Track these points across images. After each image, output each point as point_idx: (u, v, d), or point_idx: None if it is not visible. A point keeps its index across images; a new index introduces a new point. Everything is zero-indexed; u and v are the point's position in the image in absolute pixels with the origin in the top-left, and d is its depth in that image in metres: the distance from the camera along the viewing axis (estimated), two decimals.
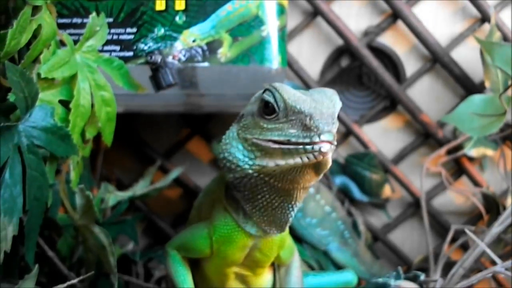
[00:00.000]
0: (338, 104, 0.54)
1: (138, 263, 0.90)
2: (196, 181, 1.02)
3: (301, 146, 0.52)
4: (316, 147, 0.51)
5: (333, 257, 0.93)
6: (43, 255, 0.73)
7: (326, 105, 0.52)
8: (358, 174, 0.97)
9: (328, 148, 0.51)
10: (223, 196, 0.62)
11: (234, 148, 0.57)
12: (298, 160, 0.52)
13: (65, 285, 0.58)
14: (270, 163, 0.54)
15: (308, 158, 0.52)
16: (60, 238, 0.79)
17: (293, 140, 0.52)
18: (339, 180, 0.99)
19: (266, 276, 0.68)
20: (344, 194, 0.99)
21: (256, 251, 0.63)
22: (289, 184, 0.55)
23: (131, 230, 0.86)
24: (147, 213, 1.01)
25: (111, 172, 1.01)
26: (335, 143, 0.53)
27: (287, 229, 0.63)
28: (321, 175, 0.56)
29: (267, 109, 0.55)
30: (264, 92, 0.56)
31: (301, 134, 0.52)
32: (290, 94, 0.54)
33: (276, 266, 0.69)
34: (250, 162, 0.55)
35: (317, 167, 0.54)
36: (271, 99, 0.55)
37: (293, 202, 0.57)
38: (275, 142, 0.54)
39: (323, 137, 0.51)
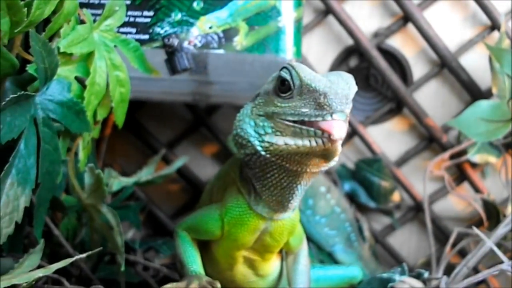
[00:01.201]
0: (353, 87, 0.54)
1: (137, 251, 0.89)
2: (198, 173, 1.02)
3: (312, 129, 0.52)
4: (326, 133, 0.51)
5: (338, 258, 0.93)
6: (47, 233, 0.72)
7: (341, 86, 0.52)
8: (368, 180, 0.98)
9: (338, 136, 0.51)
10: (237, 177, 0.62)
11: (246, 124, 0.57)
12: (306, 142, 0.52)
13: (73, 259, 0.57)
14: (279, 141, 0.54)
15: (316, 142, 0.52)
16: (62, 220, 0.78)
17: (306, 119, 0.53)
18: (349, 185, 0.99)
19: (274, 262, 0.68)
20: (351, 199, 1.00)
21: (267, 235, 0.63)
22: (296, 165, 0.55)
23: (134, 216, 0.85)
24: (148, 204, 1.01)
25: (113, 160, 1.00)
26: (347, 126, 0.53)
27: (296, 214, 0.64)
28: (331, 162, 0.56)
29: (283, 87, 0.55)
30: (281, 70, 0.56)
31: (314, 112, 0.52)
32: (307, 72, 0.54)
33: (284, 254, 0.69)
34: (260, 139, 0.56)
35: (326, 154, 0.54)
36: (287, 76, 0.55)
37: (300, 184, 0.57)
38: (287, 121, 0.54)
39: (335, 116, 0.51)
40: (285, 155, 0.54)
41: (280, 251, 0.68)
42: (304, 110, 0.53)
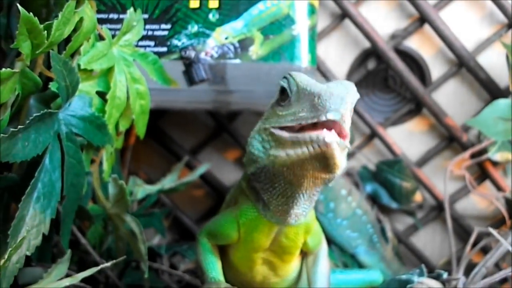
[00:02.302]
0: (353, 92, 0.55)
1: (163, 257, 0.91)
2: (221, 178, 1.04)
3: (307, 136, 0.52)
4: (321, 136, 0.51)
5: (361, 260, 0.94)
6: (75, 243, 0.75)
7: (338, 89, 0.53)
8: (389, 181, 0.98)
9: (331, 139, 0.51)
10: (246, 188, 0.64)
11: (255, 140, 0.59)
12: (305, 149, 0.53)
13: (98, 268, 0.59)
14: (281, 153, 0.55)
15: (313, 147, 0.52)
16: (89, 229, 0.81)
17: (303, 122, 0.54)
18: (370, 187, 1.00)
19: (294, 264, 0.68)
20: (373, 201, 1.00)
21: (282, 237, 0.64)
22: (299, 175, 0.56)
23: (159, 223, 0.88)
24: (173, 209, 1.03)
25: (138, 168, 1.03)
26: (345, 130, 0.53)
27: (311, 214, 0.65)
28: (334, 174, 0.55)
29: (283, 96, 0.57)
30: (281, 80, 0.58)
31: (310, 115, 0.53)
32: (303, 78, 0.56)
33: (304, 256, 0.70)
34: (266, 153, 0.57)
35: (324, 161, 0.53)
36: (285, 85, 0.57)
37: (304, 192, 0.58)
38: (288, 128, 0.55)
39: (329, 116, 0.52)
40: (289, 166, 0.55)
41: (301, 253, 0.68)
42: (301, 114, 0.54)
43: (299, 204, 0.60)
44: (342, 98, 0.52)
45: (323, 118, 0.52)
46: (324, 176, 0.56)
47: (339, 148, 0.52)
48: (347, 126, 0.53)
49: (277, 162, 0.56)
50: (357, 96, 0.55)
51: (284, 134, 0.55)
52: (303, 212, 0.62)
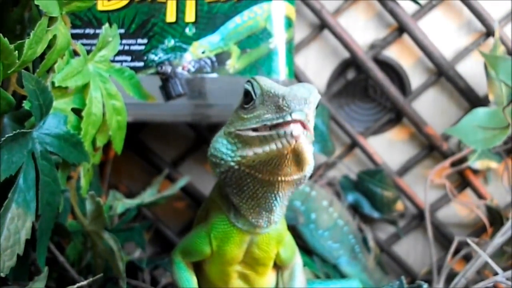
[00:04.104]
0: (315, 94, 0.55)
1: (144, 270, 0.91)
2: (202, 190, 1.03)
3: (274, 132, 0.53)
4: (288, 130, 0.52)
5: (343, 270, 0.94)
6: (53, 260, 0.74)
7: (301, 91, 0.54)
8: (370, 191, 0.99)
9: (299, 131, 0.52)
10: (217, 196, 0.64)
11: (219, 144, 0.59)
12: (273, 146, 0.53)
13: (75, 286, 0.59)
14: (249, 152, 0.55)
15: (282, 143, 0.53)
16: (69, 244, 0.80)
17: (268, 123, 0.54)
18: (352, 197, 1.00)
19: (269, 277, 0.68)
20: (354, 210, 1.00)
21: (254, 247, 0.64)
22: (269, 175, 0.56)
23: (139, 237, 0.87)
24: (155, 222, 1.03)
25: (119, 181, 1.02)
26: (310, 128, 0.54)
27: (283, 224, 0.65)
28: (303, 171, 0.57)
29: (246, 99, 0.58)
30: (245, 84, 0.58)
31: (275, 116, 0.54)
32: (267, 82, 0.57)
33: (279, 270, 0.70)
34: (232, 154, 0.57)
35: (293, 157, 0.54)
36: (249, 88, 0.57)
37: (276, 192, 0.58)
38: (253, 130, 0.56)
39: (294, 116, 0.52)
40: (257, 166, 0.56)
41: (276, 266, 0.69)
42: (266, 116, 0.55)
43: (270, 207, 0.60)
44: (306, 99, 0.53)
45: (289, 118, 0.53)
46: (294, 174, 0.57)
47: (307, 141, 0.54)
48: (311, 126, 0.54)
49: (245, 162, 0.56)
50: (319, 97, 0.56)
51: (251, 133, 0.56)
52: (275, 217, 0.62)
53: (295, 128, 0.52)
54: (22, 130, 0.58)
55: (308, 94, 0.54)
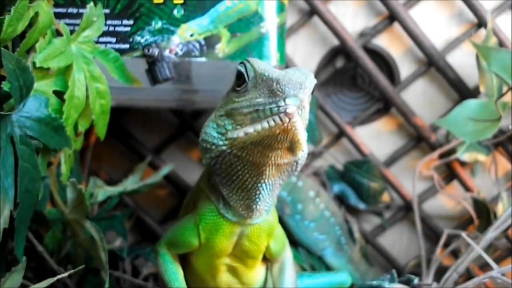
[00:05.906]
0: (311, 78, 0.53)
1: (125, 260, 0.88)
2: (185, 178, 1.01)
3: (268, 108, 0.51)
4: (282, 108, 0.50)
5: (328, 262, 0.93)
6: (31, 249, 0.71)
7: (296, 75, 0.52)
8: (357, 181, 0.97)
9: (294, 109, 0.50)
10: (206, 186, 0.62)
11: (209, 128, 0.57)
12: (265, 124, 0.51)
13: (55, 278, 0.56)
14: (240, 133, 0.54)
15: (274, 121, 0.51)
16: (47, 233, 0.77)
17: (260, 108, 0.52)
18: (338, 187, 0.98)
19: (258, 270, 0.67)
20: (340, 201, 0.99)
21: (244, 239, 0.62)
22: (260, 157, 0.54)
23: (120, 226, 0.84)
24: (136, 210, 1.00)
25: (99, 168, 0.99)
26: (305, 110, 0.52)
27: (274, 216, 0.63)
28: (296, 155, 0.55)
29: (239, 81, 0.56)
30: (238, 65, 0.56)
31: (268, 100, 0.52)
32: (261, 64, 0.54)
33: (269, 264, 0.68)
34: (223, 138, 0.55)
35: (287, 138, 0.52)
36: (242, 69, 0.55)
37: (265, 181, 0.57)
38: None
39: (288, 101, 0.51)
40: (248, 147, 0.54)
41: (265, 260, 0.67)
42: (258, 100, 0.53)
43: (261, 197, 0.58)
44: (301, 83, 0.51)
45: (282, 104, 0.51)
46: (286, 157, 0.55)
47: (301, 122, 0.52)
48: (306, 112, 0.53)
49: (236, 144, 0.54)
50: (315, 82, 0.54)
51: (243, 110, 0.54)
52: (265, 207, 0.60)
53: (290, 106, 0.50)
54: (1, 113, 0.55)
55: (303, 78, 0.52)
